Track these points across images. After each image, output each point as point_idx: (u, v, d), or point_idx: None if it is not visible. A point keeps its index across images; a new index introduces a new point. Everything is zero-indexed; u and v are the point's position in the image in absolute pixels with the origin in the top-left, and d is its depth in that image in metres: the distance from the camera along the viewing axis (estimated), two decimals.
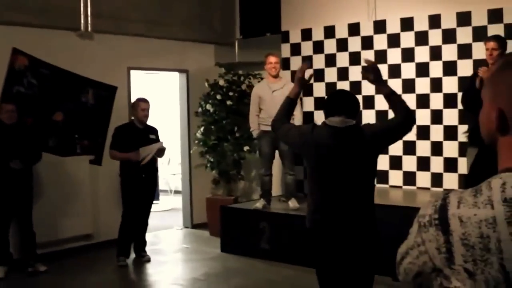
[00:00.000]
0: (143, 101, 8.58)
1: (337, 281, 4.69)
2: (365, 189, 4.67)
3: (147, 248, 8.94)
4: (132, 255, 8.83)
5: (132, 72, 10.16)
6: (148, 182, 8.67)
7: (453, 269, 1.45)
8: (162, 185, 14.37)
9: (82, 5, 9.05)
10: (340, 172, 4.55)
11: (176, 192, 13.77)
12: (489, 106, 1.57)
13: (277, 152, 8.98)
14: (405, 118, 4.58)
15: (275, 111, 8.50)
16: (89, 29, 9.16)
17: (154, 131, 8.77)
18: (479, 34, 8.13)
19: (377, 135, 4.58)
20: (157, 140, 8.72)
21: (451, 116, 8.52)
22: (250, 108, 9.01)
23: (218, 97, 10.28)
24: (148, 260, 8.78)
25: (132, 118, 8.78)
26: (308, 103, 9.77)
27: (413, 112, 5.21)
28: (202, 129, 10.48)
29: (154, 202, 13.26)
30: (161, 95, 14.65)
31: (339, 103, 4.61)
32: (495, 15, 8.10)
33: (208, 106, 10.36)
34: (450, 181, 8.51)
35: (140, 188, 8.52)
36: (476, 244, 1.42)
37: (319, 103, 9.67)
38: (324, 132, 4.58)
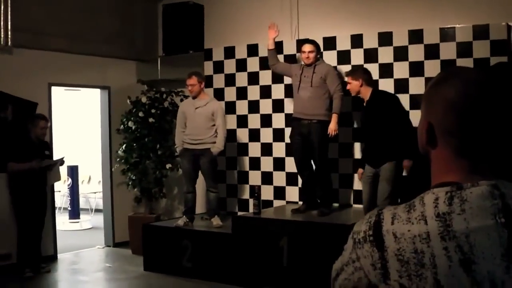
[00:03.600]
0: (43, 119, 8.83)
1: None
2: None
3: (69, 267, 8.82)
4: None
5: (53, 88, 9.96)
6: (38, 197, 8.72)
7: (389, 284, 1.47)
8: (82, 203, 14.17)
9: (2, 18, 8.84)
10: None
11: (97, 210, 13.57)
12: (423, 120, 1.62)
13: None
14: None
15: (197, 129, 8.64)
16: (9, 43, 8.93)
17: (48, 146, 9.04)
18: (401, 54, 8.38)
19: None
20: (51, 155, 9.01)
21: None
22: (176, 124, 9.02)
23: (140, 114, 10.19)
24: (49, 271, 8.88)
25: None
26: (231, 121, 9.78)
27: None
28: (123, 146, 10.35)
29: (75, 220, 13.15)
30: (83, 112, 14.47)
31: None
32: (415, 36, 8.33)
33: (130, 124, 10.26)
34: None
35: (31, 203, 8.59)
36: (411, 259, 1.44)
37: (241, 121, 9.71)
38: None
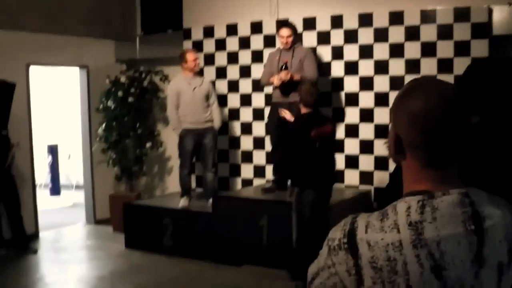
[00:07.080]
0: None
1: None
2: None
3: (51, 246, 9.10)
4: None
5: (32, 67, 9.92)
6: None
7: None
8: (63, 180, 14.21)
9: None
10: None
11: (78, 187, 13.59)
12: (391, 131, 1.68)
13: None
14: None
15: (197, 109, 8.62)
16: None
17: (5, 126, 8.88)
18: (381, 35, 8.45)
19: None
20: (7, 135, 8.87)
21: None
22: (168, 105, 8.93)
23: (120, 93, 10.21)
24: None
25: None
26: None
27: None
28: (103, 125, 10.38)
29: (56, 197, 13.22)
30: (62, 91, 14.41)
31: None
32: (396, 17, 8.38)
33: (109, 103, 10.28)
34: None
35: None
36: (384, 266, 1.52)
37: (222, 100, 9.71)
38: None
